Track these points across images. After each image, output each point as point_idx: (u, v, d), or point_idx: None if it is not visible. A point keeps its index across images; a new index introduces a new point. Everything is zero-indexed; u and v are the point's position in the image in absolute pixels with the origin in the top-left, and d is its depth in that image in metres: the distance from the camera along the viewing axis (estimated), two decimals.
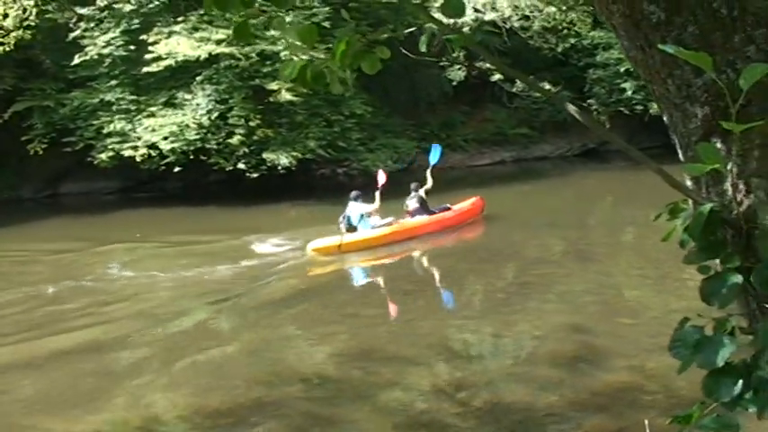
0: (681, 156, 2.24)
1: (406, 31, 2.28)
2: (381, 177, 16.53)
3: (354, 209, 15.76)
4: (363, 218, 15.60)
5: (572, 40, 27.95)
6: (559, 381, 8.10)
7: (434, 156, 17.67)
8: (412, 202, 16.64)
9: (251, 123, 22.11)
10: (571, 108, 2.19)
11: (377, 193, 15.85)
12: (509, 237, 16.47)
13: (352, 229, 15.54)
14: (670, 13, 2.19)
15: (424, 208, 16.55)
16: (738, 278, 1.91)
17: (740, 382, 1.81)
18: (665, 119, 2.31)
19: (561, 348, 9.05)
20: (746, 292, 2.01)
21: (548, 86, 27.38)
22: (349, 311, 11.29)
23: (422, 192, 16.63)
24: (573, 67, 29.00)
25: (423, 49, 2.27)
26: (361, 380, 8.43)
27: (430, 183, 16.82)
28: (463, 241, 16.05)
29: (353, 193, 15.99)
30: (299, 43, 2.34)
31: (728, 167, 2.00)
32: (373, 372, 8.64)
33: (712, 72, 1.81)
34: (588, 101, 28.45)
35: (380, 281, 12.92)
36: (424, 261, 14.47)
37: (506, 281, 12.56)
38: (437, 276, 13.24)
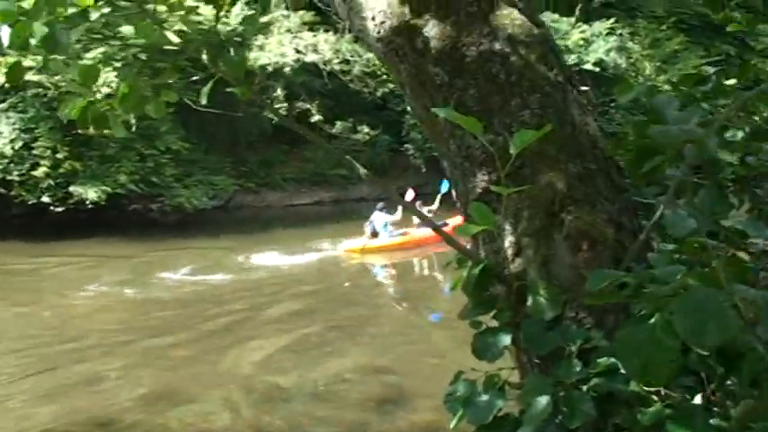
0: (461, 213, 2.32)
1: (193, 78, 2.19)
2: (409, 194, 18.91)
3: (379, 218, 18.21)
4: (386, 226, 18.13)
5: (390, 85, 28.56)
6: (366, 423, 8.14)
7: (444, 186, 18.96)
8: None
9: (58, 155, 21.14)
10: (347, 160, 2.23)
11: (400, 208, 17.77)
12: (320, 277, 16.49)
13: (375, 235, 18.17)
14: (452, 75, 2.27)
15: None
16: (508, 334, 1.98)
17: None
18: (447, 176, 2.39)
19: (369, 390, 9.12)
20: (518, 347, 2.09)
21: (366, 129, 28.05)
22: (155, 353, 10.89)
23: (425, 209, 17.93)
24: (391, 111, 29.66)
25: (204, 101, 2.22)
26: (161, 425, 8.12)
27: (436, 205, 18.73)
28: (273, 281, 15.88)
29: (380, 204, 18.64)
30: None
31: (501, 227, 2.08)
32: (175, 417, 8.36)
33: (482, 136, 1.88)
34: (405, 145, 29.20)
35: (186, 321, 12.52)
36: (234, 301, 14.17)
37: (317, 322, 12.50)
38: (248, 316, 13.01)
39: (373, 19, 2.42)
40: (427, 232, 18.37)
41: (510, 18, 2.34)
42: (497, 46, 2.27)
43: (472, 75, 2.25)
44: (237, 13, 22.96)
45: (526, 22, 2.37)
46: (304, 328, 12.32)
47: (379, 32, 2.40)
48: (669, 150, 1.82)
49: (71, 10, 2.07)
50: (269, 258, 17.47)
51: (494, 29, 2.30)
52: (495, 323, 2.03)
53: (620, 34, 29.31)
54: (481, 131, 1.82)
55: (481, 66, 2.25)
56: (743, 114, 3.34)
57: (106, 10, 2.05)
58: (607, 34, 28.97)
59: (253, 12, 22.86)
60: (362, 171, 2.24)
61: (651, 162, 1.82)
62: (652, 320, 1.15)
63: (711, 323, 1.09)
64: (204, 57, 2.15)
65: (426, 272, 17.19)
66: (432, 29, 2.32)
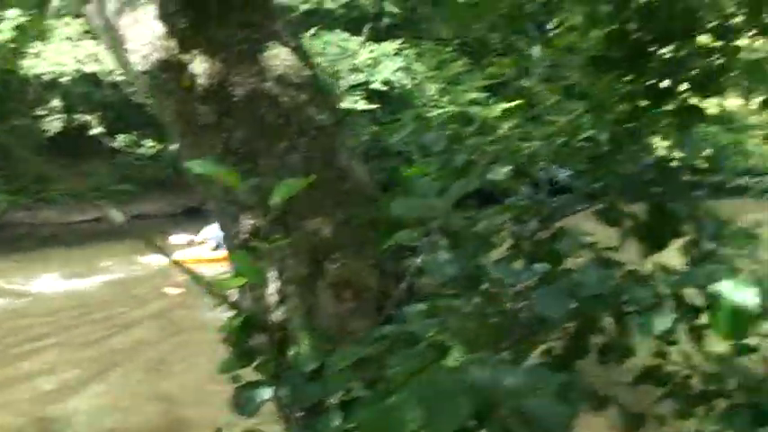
0: (229, 260, 2.25)
1: None
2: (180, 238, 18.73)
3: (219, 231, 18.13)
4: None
5: None
6: None
7: None
8: None
9: None
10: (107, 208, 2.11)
11: None
12: (102, 300, 15.67)
13: (218, 248, 17.75)
14: (220, 115, 2.20)
15: None
16: (269, 387, 1.92)
17: None
18: (215, 219, 2.31)
19: (146, 421, 8.73)
20: (280, 400, 2.04)
21: (151, 143, 27.12)
22: None
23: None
24: None
25: None
26: None
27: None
28: (51, 305, 14.90)
29: None
30: None
31: (266, 274, 2.03)
32: None
33: (239, 190, 1.82)
34: None
35: None
36: (7, 330, 13.12)
37: (93, 348, 11.84)
38: (22, 345, 12.06)
39: (138, 51, 2.31)
40: None
41: (280, 58, 2.30)
42: (266, 86, 2.23)
43: (240, 115, 2.19)
44: (12, 16, 21.53)
45: (297, 62, 2.35)
46: (75, 353, 11.59)
47: (144, 66, 2.29)
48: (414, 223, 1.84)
49: None
50: (47, 280, 16.35)
51: (263, 68, 2.26)
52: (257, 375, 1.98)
53: (407, 55, 30.24)
54: (238, 185, 1.75)
55: (249, 106, 2.20)
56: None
57: None
58: (395, 55, 29.78)
59: (27, 19, 21.52)
60: (117, 217, 2.12)
61: (397, 236, 1.84)
62: (391, 400, 1.14)
63: (442, 412, 1.09)
64: None
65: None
66: (199, 65, 2.24)
